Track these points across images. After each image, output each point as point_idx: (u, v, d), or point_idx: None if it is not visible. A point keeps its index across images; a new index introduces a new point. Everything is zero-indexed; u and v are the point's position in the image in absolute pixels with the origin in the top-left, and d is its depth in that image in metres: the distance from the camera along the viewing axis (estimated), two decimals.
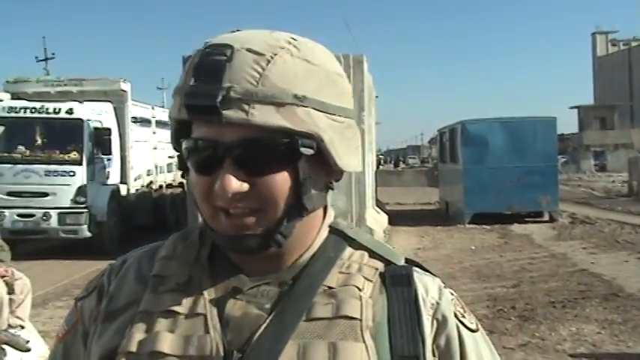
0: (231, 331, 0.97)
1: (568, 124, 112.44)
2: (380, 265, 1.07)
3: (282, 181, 0.95)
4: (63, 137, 14.23)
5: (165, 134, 19.70)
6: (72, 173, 14.00)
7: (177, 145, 1.02)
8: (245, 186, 0.93)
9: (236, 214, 0.95)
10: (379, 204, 18.85)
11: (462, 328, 1.06)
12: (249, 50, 0.92)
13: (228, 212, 0.95)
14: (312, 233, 1.06)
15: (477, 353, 1.06)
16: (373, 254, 1.09)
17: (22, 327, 6.64)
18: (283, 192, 0.96)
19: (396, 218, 18.08)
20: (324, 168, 1.00)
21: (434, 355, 1.02)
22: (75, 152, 14.16)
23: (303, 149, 0.95)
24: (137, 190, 17.03)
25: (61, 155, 14.16)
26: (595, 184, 35.01)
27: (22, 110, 14.48)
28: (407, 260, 1.10)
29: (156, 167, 18.71)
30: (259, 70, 0.92)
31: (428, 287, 1.06)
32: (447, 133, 20.35)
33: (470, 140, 17.53)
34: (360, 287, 1.02)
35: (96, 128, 14.54)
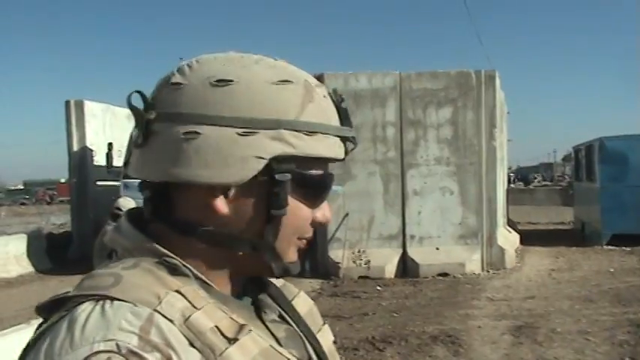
0: (293, 349, 1.00)
1: None
2: None
3: None
4: None
5: None
6: None
7: (289, 180, 0.95)
8: None
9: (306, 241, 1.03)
10: (510, 223, 18.39)
11: None
12: None
13: (304, 240, 1.03)
14: None
15: None
16: None
17: None
18: None
19: (529, 238, 17.56)
20: None
21: None
22: None
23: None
24: None
25: None
26: None
27: None
28: None
29: None
30: None
31: None
32: (583, 150, 19.59)
33: (608, 157, 16.77)
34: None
35: None
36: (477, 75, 13.43)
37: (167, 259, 0.94)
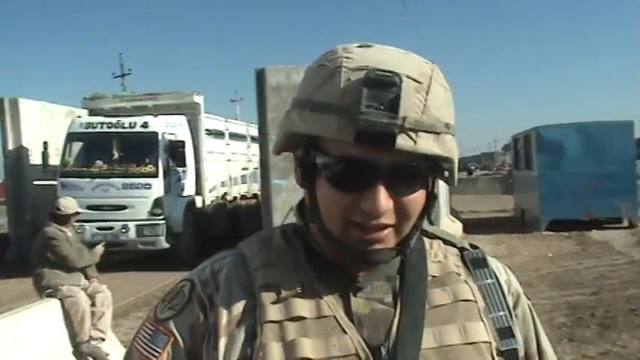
0: (366, 328, 1.02)
1: None
2: (455, 251, 1.18)
3: (419, 200, 1.02)
4: (139, 151, 14.50)
5: (239, 146, 19.93)
6: (148, 186, 14.25)
7: (305, 158, 1.01)
8: (391, 205, 0.97)
9: (372, 230, 0.98)
10: (453, 212, 18.67)
11: (527, 301, 1.20)
12: (410, 78, 0.95)
13: (363, 227, 0.98)
14: None
15: (538, 322, 1.21)
16: (446, 242, 1.19)
17: (103, 339, 6.80)
18: (419, 210, 1.03)
19: (471, 226, 17.89)
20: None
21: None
22: (151, 165, 14.40)
23: (445, 172, 1.03)
24: (212, 201, 17.27)
25: (138, 168, 14.42)
26: None
27: (99, 126, 14.86)
28: (470, 245, 1.20)
29: (230, 179, 18.94)
30: (422, 100, 0.95)
31: (499, 267, 1.20)
32: (521, 139, 20.02)
33: (545, 146, 17.19)
34: (458, 273, 1.13)
35: (170, 141, 14.83)
36: None
37: (291, 227, 1.14)
